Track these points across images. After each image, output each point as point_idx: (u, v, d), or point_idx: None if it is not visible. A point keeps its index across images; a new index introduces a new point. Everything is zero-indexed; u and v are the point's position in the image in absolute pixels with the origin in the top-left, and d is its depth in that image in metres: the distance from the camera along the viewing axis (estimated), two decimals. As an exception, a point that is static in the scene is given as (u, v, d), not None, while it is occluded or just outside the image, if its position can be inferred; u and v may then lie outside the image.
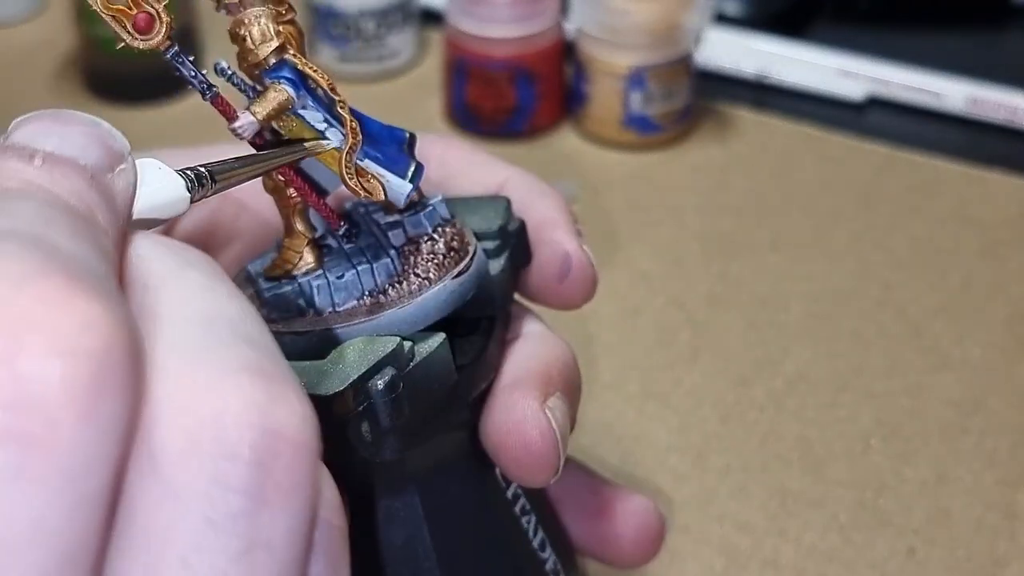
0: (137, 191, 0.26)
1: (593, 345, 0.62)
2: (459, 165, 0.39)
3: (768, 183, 0.74)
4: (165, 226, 0.34)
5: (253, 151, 0.32)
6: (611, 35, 0.75)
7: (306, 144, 0.32)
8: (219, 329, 0.22)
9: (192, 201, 0.28)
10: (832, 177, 0.75)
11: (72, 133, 0.24)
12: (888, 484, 0.55)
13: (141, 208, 0.27)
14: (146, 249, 0.24)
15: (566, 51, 0.79)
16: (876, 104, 0.81)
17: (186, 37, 0.79)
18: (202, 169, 0.28)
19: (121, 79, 0.81)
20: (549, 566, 0.37)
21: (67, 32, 0.83)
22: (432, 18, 0.86)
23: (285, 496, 0.21)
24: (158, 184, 0.27)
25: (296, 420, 0.21)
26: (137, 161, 0.27)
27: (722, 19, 0.84)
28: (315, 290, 0.33)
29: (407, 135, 0.34)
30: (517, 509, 0.36)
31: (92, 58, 0.81)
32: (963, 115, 0.79)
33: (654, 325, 0.64)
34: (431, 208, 0.35)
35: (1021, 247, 0.69)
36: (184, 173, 0.28)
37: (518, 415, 0.34)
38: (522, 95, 0.77)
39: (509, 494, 0.36)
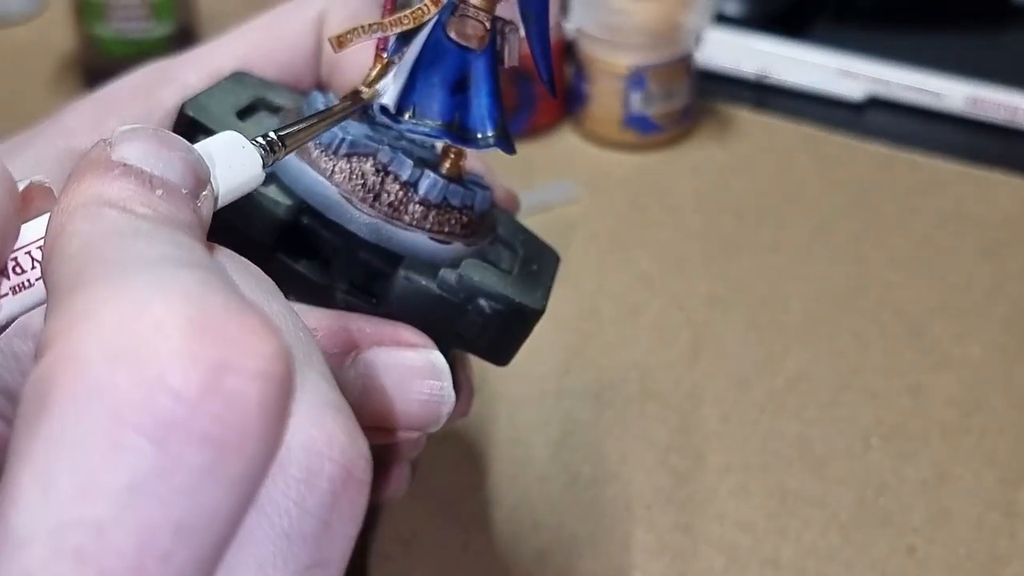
0: (219, 174, 0.28)
1: (593, 345, 0.62)
2: None
3: (768, 183, 0.74)
4: None
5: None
6: (611, 35, 0.76)
7: (362, 92, 0.34)
8: (302, 363, 0.25)
9: (264, 169, 0.30)
10: (832, 177, 0.75)
11: (174, 160, 0.26)
12: (888, 483, 0.55)
13: (223, 193, 0.28)
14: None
15: (566, 51, 0.79)
16: (876, 104, 0.81)
17: (186, 38, 0.79)
18: (273, 136, 0.30)
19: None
20: None
21: (67, 32, 0.83)
22: (432, 18, 0.85)
23: (345, 525, 0.24)
24: (238, 164, 0.29)
25: (364, 462, 0.24)
26: (220, 136, 0.29)
27: (722, 19, 0.84)
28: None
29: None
30: None
31: (92, 58, 0.81)
32: (963, 115, 0.79)
33: (654, 325, 0.64)
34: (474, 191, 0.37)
35: (1021, 247, 0.69)
36: (259, 145, 0.30)
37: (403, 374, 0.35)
38: (522, 95, 0.77)
39: None
